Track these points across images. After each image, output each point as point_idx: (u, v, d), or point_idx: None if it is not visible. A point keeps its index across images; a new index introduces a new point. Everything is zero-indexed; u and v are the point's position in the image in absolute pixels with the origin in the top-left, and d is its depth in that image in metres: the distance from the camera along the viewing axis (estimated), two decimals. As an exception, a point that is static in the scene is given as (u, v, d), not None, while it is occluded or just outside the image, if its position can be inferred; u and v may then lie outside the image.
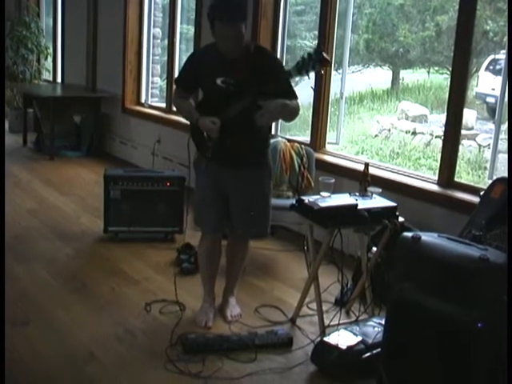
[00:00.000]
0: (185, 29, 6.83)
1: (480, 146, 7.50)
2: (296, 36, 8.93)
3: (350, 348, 2.75)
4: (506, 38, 6.06)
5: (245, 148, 2.98)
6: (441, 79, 9.18)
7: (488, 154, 6.49)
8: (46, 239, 4.36)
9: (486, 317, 2.20)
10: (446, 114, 3.89)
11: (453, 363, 2.29)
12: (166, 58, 6.43)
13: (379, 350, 2.63)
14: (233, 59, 2.88)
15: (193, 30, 5.78)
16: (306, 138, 4.93)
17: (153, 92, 6.93)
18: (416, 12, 9.19)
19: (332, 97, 4.78)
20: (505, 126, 4.60)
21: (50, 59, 8.77)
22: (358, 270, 3.46)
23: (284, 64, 4.57)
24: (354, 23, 7.80)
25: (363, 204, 3.07)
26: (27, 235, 4.41)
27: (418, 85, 9.80)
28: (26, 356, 2.82)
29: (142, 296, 3.49)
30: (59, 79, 8.52)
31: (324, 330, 3.06)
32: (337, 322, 3.03)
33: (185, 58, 3.21)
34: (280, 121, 5.06)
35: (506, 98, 3.66)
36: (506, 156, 3.77)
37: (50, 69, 8.81)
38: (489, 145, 6.86)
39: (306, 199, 3.09)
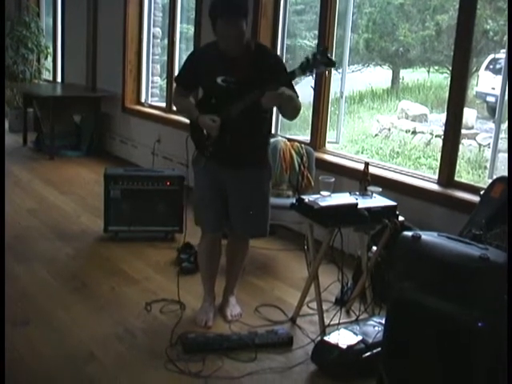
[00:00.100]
0: (185, 28, 6.82)
1: (480, 145, 7.48)
2: (296, 35, 8.91)
3: (350, 347, 2.76)
4: (506, 38, 6.06)
5: (244, 147, 2.97)
6: (441, 78, 9.16)
7: (488, 153, 6.48)
8: (45, 239, 4.36)
9: (486, 316, 2.20)
10: (446, 113, 3.89)
11: (453, 363, 2.29)
12: (165, 58, 6.42)
13: (379, 349, 2.63)
14: (233, 57, 2.88)
15: (193, 29, 5.78)
16: (306, 137, 4.93)
17: (153, 91, 6.92)
18: (416, 11, 9.17)
19: (332, 96, 4.78)
20: (505, 126, 4.60)
21: (49, 59, 8.77)
22: (358, 269, 3.46)
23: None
24: (354, 22, 7.78)
25: (363, 203, 3.07)
26: (27, 235, 4.40)
27: (418, 84, 9.79)
28: (26, 356, 2.82)
29: (142, 295, 3.49)
30: (59, 79, 8.52)
31: (324, 329, 3.06)
32: (337, 322, 3.04)
33: (185, 58, 3.20)
34: (280, 120, 5.08)
35: (506, 98, 3.66)
36: (506, 155, 3.76)
37: (50, 68, 8.80)
38: (489, 144, 6.85)
39: (306, 198, 3.09)
